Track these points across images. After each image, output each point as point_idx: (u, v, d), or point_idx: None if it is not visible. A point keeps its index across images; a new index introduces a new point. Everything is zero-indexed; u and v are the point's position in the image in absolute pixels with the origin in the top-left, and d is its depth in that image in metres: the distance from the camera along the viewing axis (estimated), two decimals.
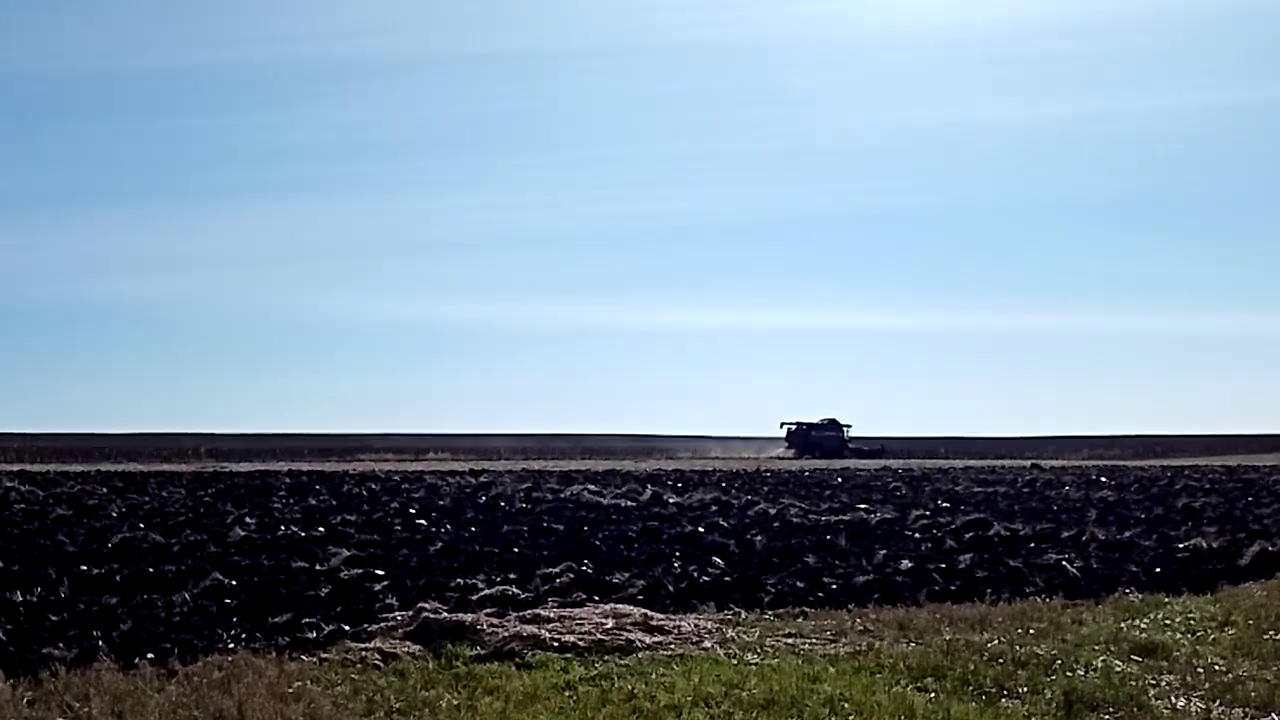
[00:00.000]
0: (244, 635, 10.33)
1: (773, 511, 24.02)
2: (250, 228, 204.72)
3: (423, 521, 21.66)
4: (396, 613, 11.17)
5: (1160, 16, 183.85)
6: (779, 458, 76.22)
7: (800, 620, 11.41)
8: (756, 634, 10.55)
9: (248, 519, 21.72)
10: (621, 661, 9.35)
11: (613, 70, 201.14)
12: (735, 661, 9.34)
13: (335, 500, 28.27)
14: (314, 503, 27.20)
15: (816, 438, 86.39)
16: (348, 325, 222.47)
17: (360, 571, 14.06)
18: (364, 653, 9.53)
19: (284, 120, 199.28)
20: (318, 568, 14.61)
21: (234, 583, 13.22)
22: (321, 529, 19.93)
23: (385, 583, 13.26)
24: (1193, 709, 7.86)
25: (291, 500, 27.99)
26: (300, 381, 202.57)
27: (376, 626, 10.59)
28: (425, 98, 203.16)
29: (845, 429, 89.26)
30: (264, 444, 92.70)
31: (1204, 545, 17.66)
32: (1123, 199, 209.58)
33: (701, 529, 20.38)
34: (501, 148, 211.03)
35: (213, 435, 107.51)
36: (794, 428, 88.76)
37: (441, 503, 27.18)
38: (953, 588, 13.64)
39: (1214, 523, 22.31)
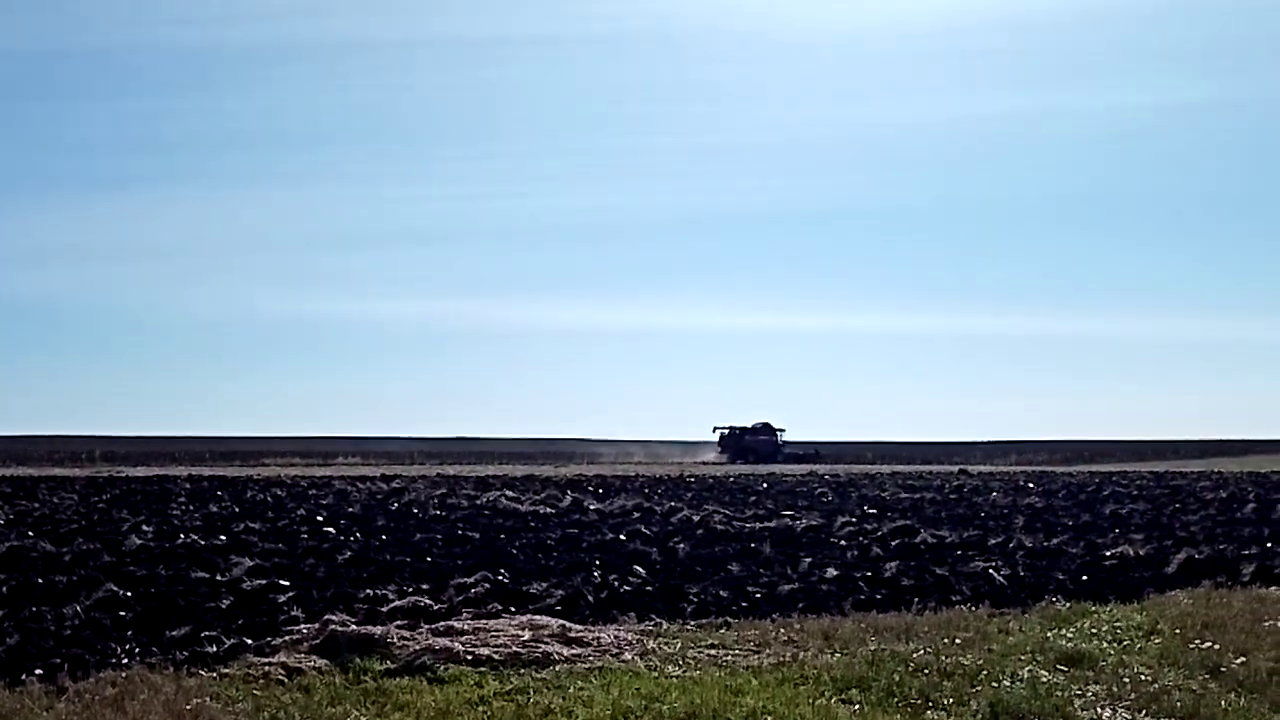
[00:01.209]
0: (139, 650, 10.12)
1: (696, 518, 24.12)
2: (146, 220, 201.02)
3: (331, 529, 21.41)
4: (302, 625, 11.04)
5: (1105, 13, 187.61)
6: (711, 463, 76.52)
7: (723, 631, 11.47)
8: (678, 645, 10.59)
9: (144, 527, 21.33)
10: (538, 675, 9.32)
11: (542, 60, 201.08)
12: (656, 674, 9.37)
13: (238, 507, 27.87)
14: (215, 510, 26.78)
15: (750, 442, 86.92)
16: (250, 323, 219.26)
17: (264, 582, 13.86)
18: (267, 668, 9.39)
19: (182, 108, 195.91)
20: (219, 578, 14.39)
21: (129, 594, 12.96)
22: (223, 537, 19.62)
23: (290, 594, 13.09)
24: (1118, 719, 8.04)
25: (191, 507, 27.53)
26: (201, 381, 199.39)
27: (280, 640, 10.44)
28: (348, 85, 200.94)
29: (779, 433, 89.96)
30: (162, 447, 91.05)
31: (1131, 553, 18.05)
32: (1062, 199, 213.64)
33: (623, 536, 20.40)
34: (421, 138, 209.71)
35: (108, 438, 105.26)
36: (726, 432, 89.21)
37: (351, 510, 26.91)
38: (879, 596, 13.80)
39: (1141, 530, 22.78)
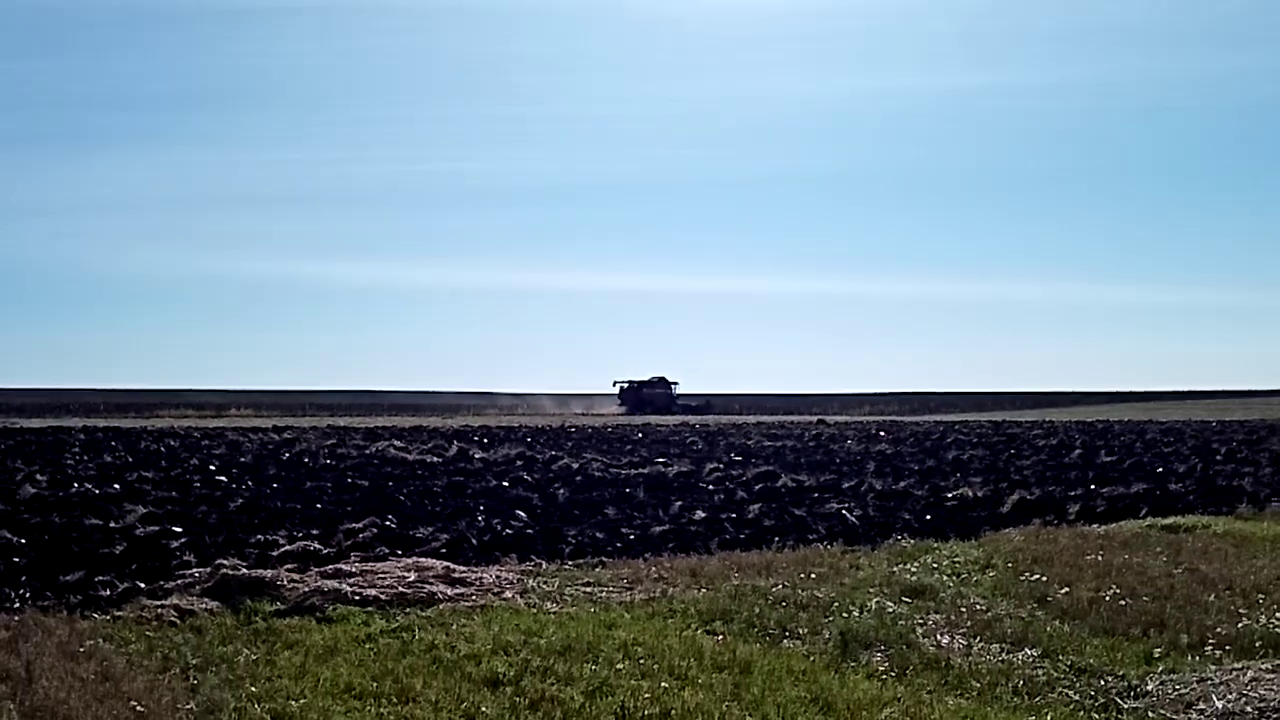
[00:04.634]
0: (33, 594, 9.82)
1: (575, 466, 24.18)
2: (36, 178, 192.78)
3: (223, 478, 20.98)
4: (194, 569, 10.81)
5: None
6: (611, 414, 77.16)
7: (599, 570, 11.54)
8: (556, 584, 10.62)
9: (38, 476, 20.65)
10: (423, 614, 9.28)
11: (427, 28, 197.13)
12: (535, 611, 9.39)
13: (132, 457, 27.15)
14: (109, 459, 26.08)
15: (647, 395, 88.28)
16: (144, 280, 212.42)
17: (157, 529, 13.53)
18: (160, 610, 9.19)
19: (72, 68, 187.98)
20: (112, 525, 14.00)
21: (23, 541, 12.55)
22: (117, 486, 19.11)
23: (183, 540, 12.81)
24: (955, 645, 8.30)
25: (85, 457, 26.75)
26: (96, 336, 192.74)
27: (173, 584, 10.22)
28: (240, 48, 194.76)
29: (673, 386, 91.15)
30: (57, 399, 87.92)
31: (970, 494, 18.59)
32: (910, 171, 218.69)
33: (506, 483, 20.35)
34: (305, 103, 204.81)
35: (1, 390, 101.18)
36: (626, 386, 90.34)
37: (243, 459, 26.38)
38: (742, 536, 14.00)
39: (979, 474, 23.48)
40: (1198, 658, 7.82)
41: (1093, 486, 20.40)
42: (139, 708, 6.35)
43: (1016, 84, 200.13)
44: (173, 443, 33.33)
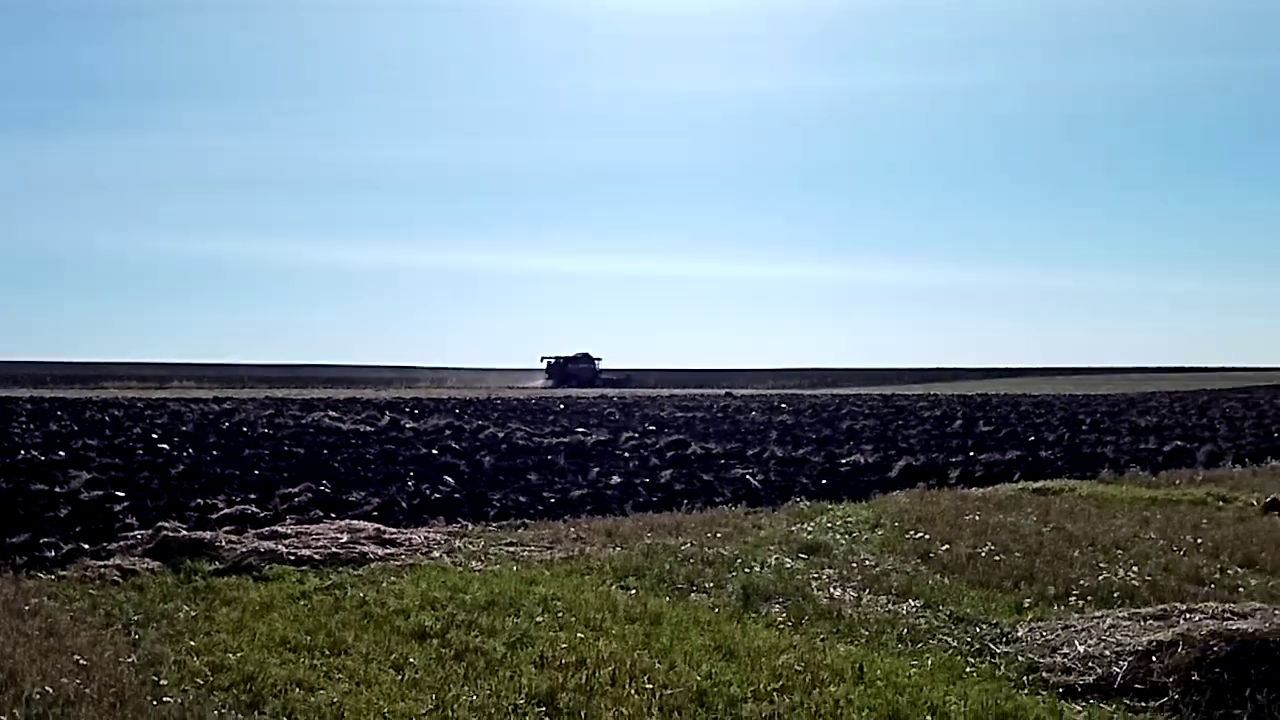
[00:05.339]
0: None
1: (500, 435, 24.05)
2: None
3: (165, 446, 20.49)
4: (137, 531, 10.55)
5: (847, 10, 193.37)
6: (540, 388, 77.01)
7: (521, 530, 11.49)
8: (481, 544, 10.55)
9: None
10: (355, 572, 9.16)
11: (385, 26, 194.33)
12: (460, 569, 9.32)
13: (77, 426, 26.40)
14: (55, 428, 25.31)
15: (572, 369, 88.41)
16: (90, 257, 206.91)
17: (101, 493, 13.17)
18: (103, 570, 8.96)
19: (33, 57, 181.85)
20: (57, 490, 13.61)
21: None
22: (62, 453, 18.55)
23: (126, 504, 12.49)
24: (847, 597, 8.41)
25: (32, 426, 25.93)
26: (44, 310, 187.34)
27: (116, 545, 9.97)
28: (188, 39, 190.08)
29: (597, 361, 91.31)
30: (5, 371, 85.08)
31: (862, 461, 18.85)
32: (813, 164, 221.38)
33: (435, 451, 20.17)
34: (258, 92, 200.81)
35: None
36: (553, 361, 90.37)
37: (184, 428, 25.79)
38: (655, 499, 14.05)
39: (870, 442, 23.83)
40: (1063, 607, 8.02)
41: (972, 454, 20.82)
42: (82, 661, 6.18)
43: (912, 86, 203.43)
44: (117, 412, 32.50)
